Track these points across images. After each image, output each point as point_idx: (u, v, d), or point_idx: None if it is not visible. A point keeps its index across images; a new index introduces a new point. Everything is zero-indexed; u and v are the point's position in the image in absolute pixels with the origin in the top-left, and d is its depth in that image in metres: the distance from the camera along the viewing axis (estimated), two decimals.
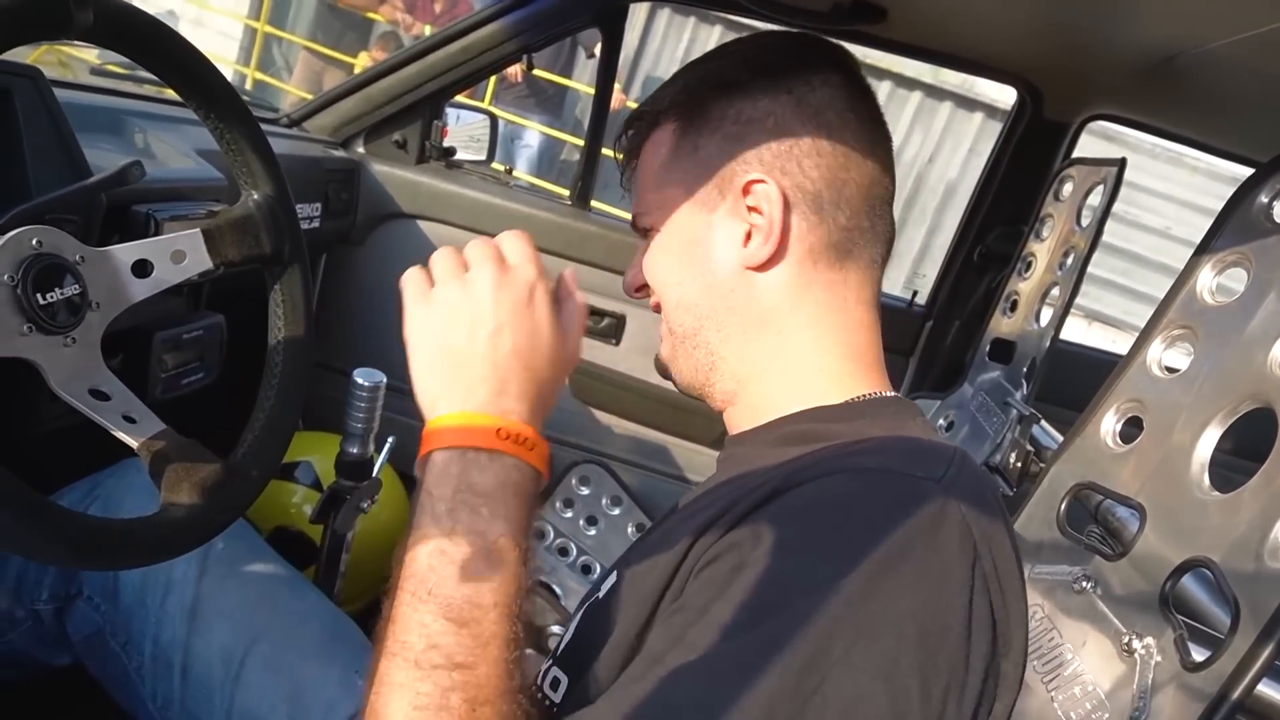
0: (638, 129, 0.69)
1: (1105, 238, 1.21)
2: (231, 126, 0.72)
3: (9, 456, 0.58)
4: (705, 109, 0.64)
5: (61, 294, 0.63)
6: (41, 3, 0.53)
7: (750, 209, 0.61)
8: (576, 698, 0.54)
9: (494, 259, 0.57)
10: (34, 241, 0.61)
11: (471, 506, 0.50)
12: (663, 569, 0.53)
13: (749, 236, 0.61)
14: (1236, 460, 0.94)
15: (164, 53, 0.65)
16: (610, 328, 1.65)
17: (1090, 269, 1.24)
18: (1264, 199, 0.67)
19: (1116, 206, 1.17)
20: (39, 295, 0.61)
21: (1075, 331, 5.94)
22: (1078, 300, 1.24)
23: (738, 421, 0.66)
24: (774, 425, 0.62)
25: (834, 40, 0.67)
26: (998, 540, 0.49)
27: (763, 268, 0.61)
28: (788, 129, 0.61)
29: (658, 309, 0.69)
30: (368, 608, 1.32)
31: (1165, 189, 6.04)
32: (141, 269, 0.69)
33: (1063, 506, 0.72)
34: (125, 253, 0.68)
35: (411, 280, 0.58)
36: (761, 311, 0.62)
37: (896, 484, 0.49)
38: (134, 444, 0.65)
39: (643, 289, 0.70)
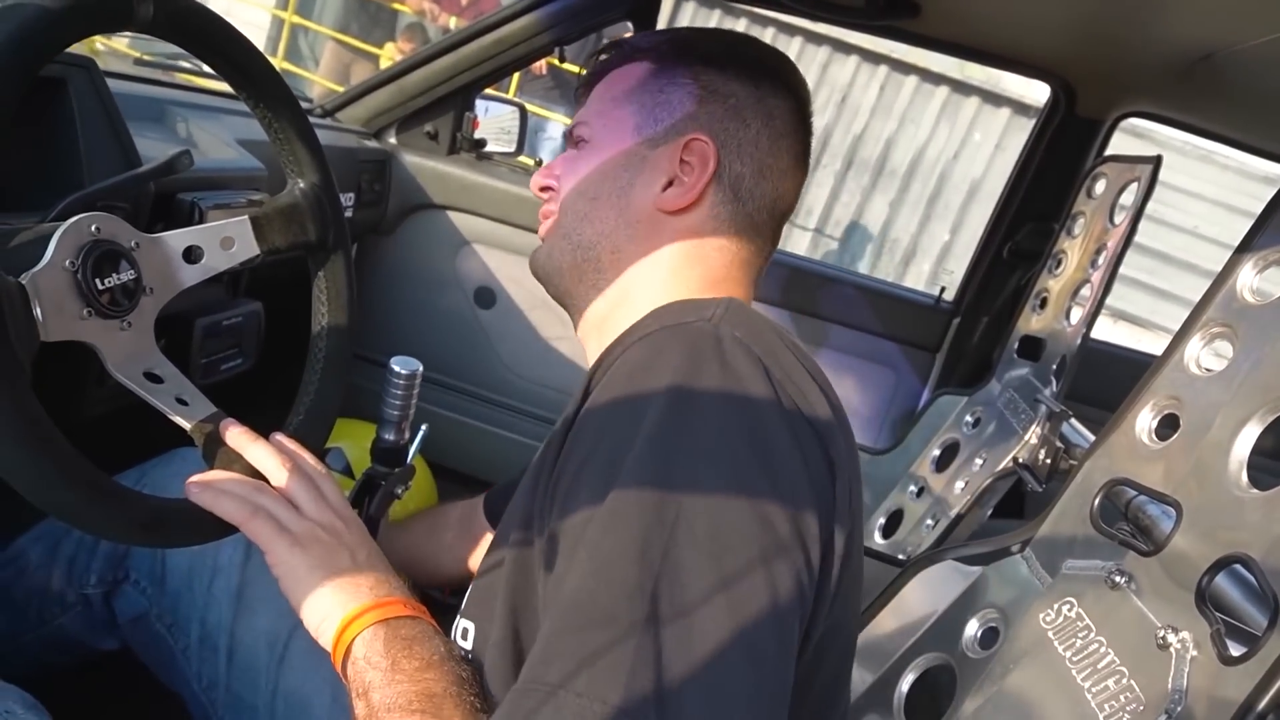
0: (614, 55, 0.74)
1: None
2: (281, 117, 0.73)
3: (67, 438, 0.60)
4: (683, 65, 0.70)
5: (119, 279, 0.64)
6: None
7: (683, 161, 0.68)
8: (481, 640, 0.63)
9: (327, 505, 0.67)
10: (93, 228, 0.63)
11: (407, 645, 0.58)
12: (527, 496, 0.60)
13: (669, 183, 0.68)
14: (1272, 462, 0.94)
15: (220, 45, 0.66)
16: None
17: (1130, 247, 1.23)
18: None
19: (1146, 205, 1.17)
20: (98, 280, 0.62)
21: (1101, 329, 5.87)
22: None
23: (593, 344, 0.71)
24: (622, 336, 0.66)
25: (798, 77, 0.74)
26: (781, 354, 0.56)
27: (672, 213, 0.68)
28: (742, 115, 0.68)
29: (548, 215, 0.74)
30: None
31: (1194, 187, 5.97)
32: (192, 255, 0.71)
33: (1096, 502, 0.72)
34: (177, 239, 0.70)
35: (265, 522, 0.63)
36: (656, 249, 0.68)
37: (674, 335, 0.56)
38: (187, 425, 0.67)
39: (548, 190, 0.75)
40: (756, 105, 0.69)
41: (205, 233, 0.72)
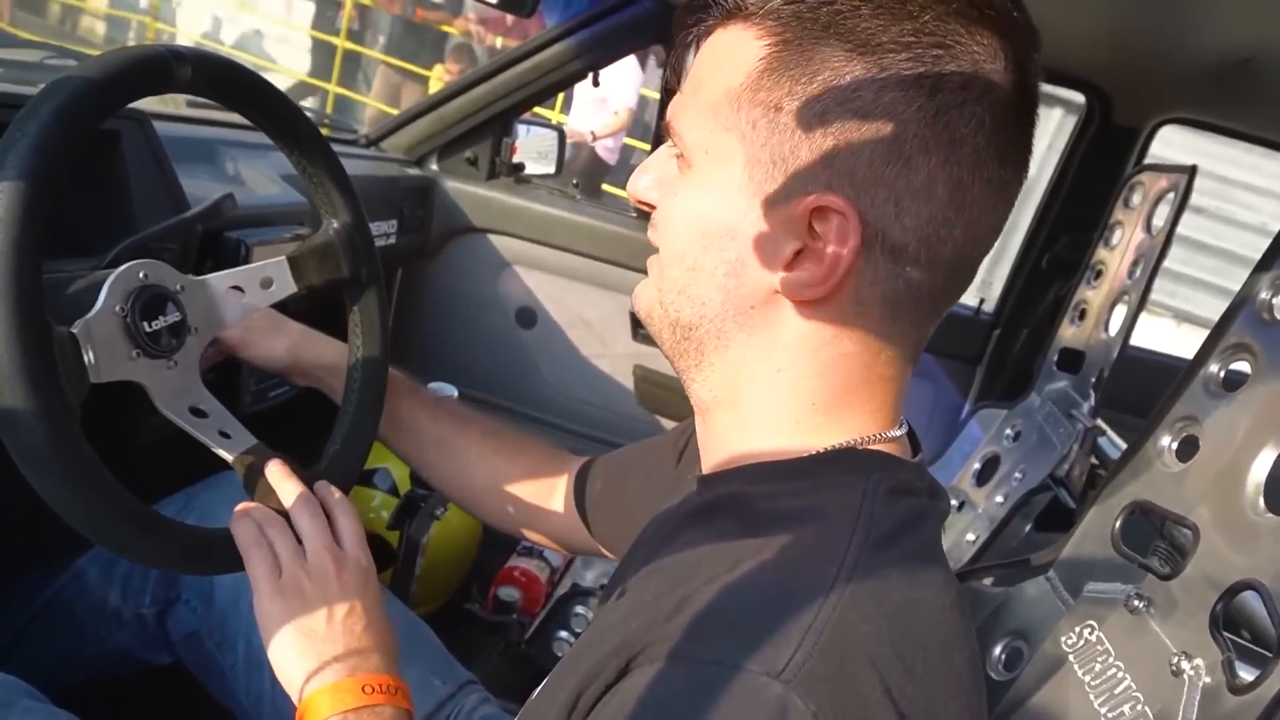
0: (710, 11, 0.51)
1: (1196, 235, 1.19)
2: (314, 162, 0.77)
3: (116, 470, 0.65)
4: (814, 50, 0.46)
5: (165, 321, 0.69)
6: (148, 65, 0.59)
7: (813, 229, 0.47)
8: None
9: (329, 547, 0.64)
10: (141, 274, 0.67)
11: None
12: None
13: (797, 256, 0.48)
14: None
15: (255, 99, 0.71)
16: None
17: (1179, 268, 1.22)
18: None
19: (1207, 201, 1.15)
20: (145, 323, 0.67)
21: (1164, 331, 5.71)
22: (1165, 299, 1.22)
23: (700, 442, 0.58)
24: (725, 477, 0.54)
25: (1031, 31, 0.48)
26: (874, 717, 0.40)
27: (799, 302, 0.49)
28: (905, 150, 0.45)
29: (652, 245, 0.56)
30: (439, 611, 1.38)
31: (1261, 183, 5.77)
32: (234, 295, 0.76)
33: (1118, 524, 0.72)
34: (220, 280, 0.74)
35: (260, 562, 0.63)
36: (772, 343, 0.50)
37: (726, 688, 0.40)
38: (229, 458, 0.71)
39: (647, 207, 0.56)
40: (930, 128, 0.45)
41: (246, 274, 0.76)
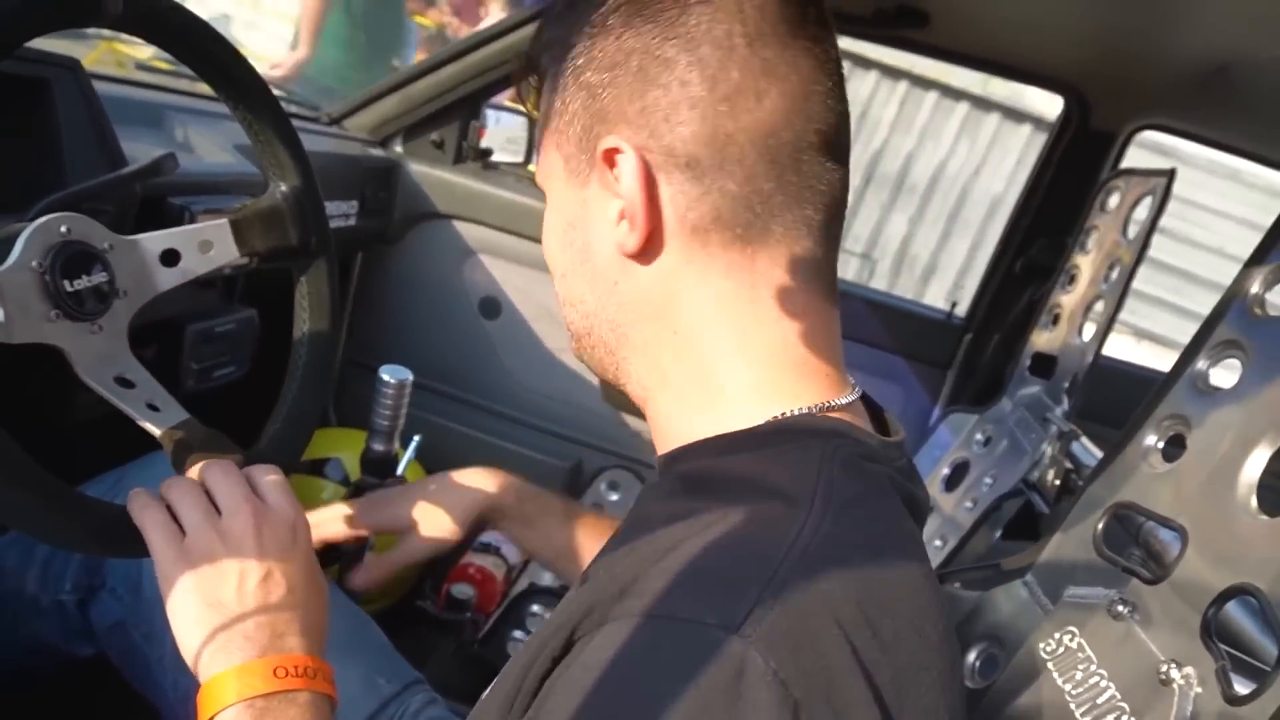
0: (526, 76, 0.57)
1: (1156, 254, 1.18)
2: (261, 118, 0.72)
3: (38, 445, 0.59)
4: (566, 55, 0.51)
5: (89, 281, 0.63)
6: None
7: (619, 183, 0.49)
8: None
9: (248, 499, 0.57)
10: (62, 229, 0.62)
11: None
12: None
13: (620, 215, 0.49)
14: None
15: (196, 44, 0.65)
16: None
17: (1140, 286, 1.20)
18: None
19: (1168, 222, 1.14)
20: (66, 282, 0.61)
21: (1124, 349, 5.81)
22: (1126, 317, 1.21)
23: (653, 434, 0.55)
24: (676, 456, 0.51)
25: None
26: (839, 679, 0.38)
27: (641, 255, 0.49)
28: (652, 73, 0.47)
29: None
30: (388, 608, 1.32)
31: (1220, 205, 5.90)
32: (170, 258, 0.70)
33: (1100, 526, 0.69)
34: (153, 242, 0.69)
35: (155, 526, 0.55)
36: (650, 307, 0.50)
37: (678, 643, 0.37)
38: (156, 432, 0.66)
39: None
40: (663, 46, 0.47)
41: (182, 235, 0.71)
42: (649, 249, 0.49)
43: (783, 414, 0.49)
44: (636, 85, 0.48)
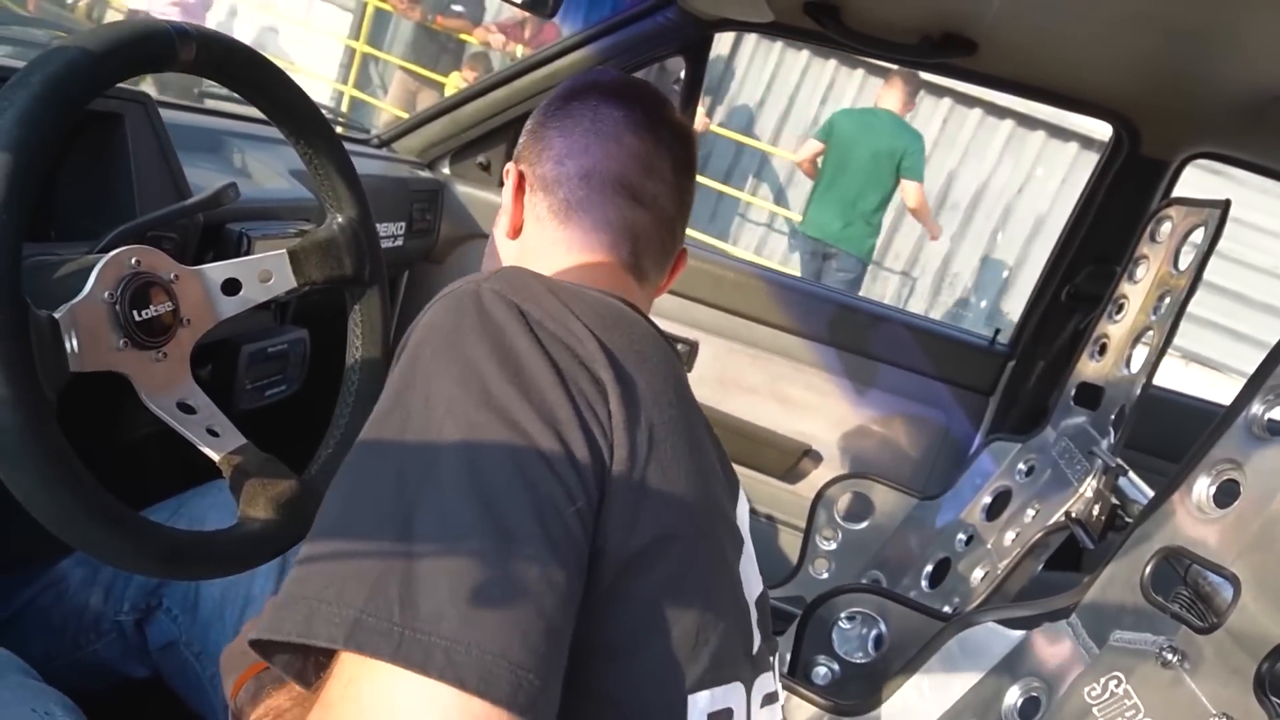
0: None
1: (1207, 275, 1.15)
2: (320, 152, 0.74)
3: (101, 467, 0.61)
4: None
5: (155, 310, 0.66)
6: (150, 40, 0.56)
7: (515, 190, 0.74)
8: None
9: None
10: (133, 261, 0.64)
11: None
12: None
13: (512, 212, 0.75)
14: None
15: (261, 83, 0.68)
16: (684, 355, 1.64)
17: (1190, 308, 1.18)
18: None
19: (1220, 243, 1.11)
20: (135, 312, 0.64)
21: (1172, 372, 5.68)
22: (1176, 340, 1.18)
23: None
24: None
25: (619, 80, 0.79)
26: (544, 300, 0.54)
27: (516, 234, 0.74)
28: (536, 135, 0.75)
29: None
30: None
31: (1274, 226, 5.74)
32: (231, 287, 0.72)
33: (1148, 570, 0.68)
34: (216, 272, 0.71)
35: None
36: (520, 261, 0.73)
37: (442, 299, 0.54)
38: (216, 457, 0.68)
39: None
40: (543, 122, 0.75)
41: (243, 266, 0.73)
42: (520, 230, 0.74)
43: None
44: (529, 140, 0.75)
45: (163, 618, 0.83)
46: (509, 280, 0.56)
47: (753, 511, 1.67)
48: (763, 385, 1.70)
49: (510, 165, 0.76)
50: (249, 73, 0.66)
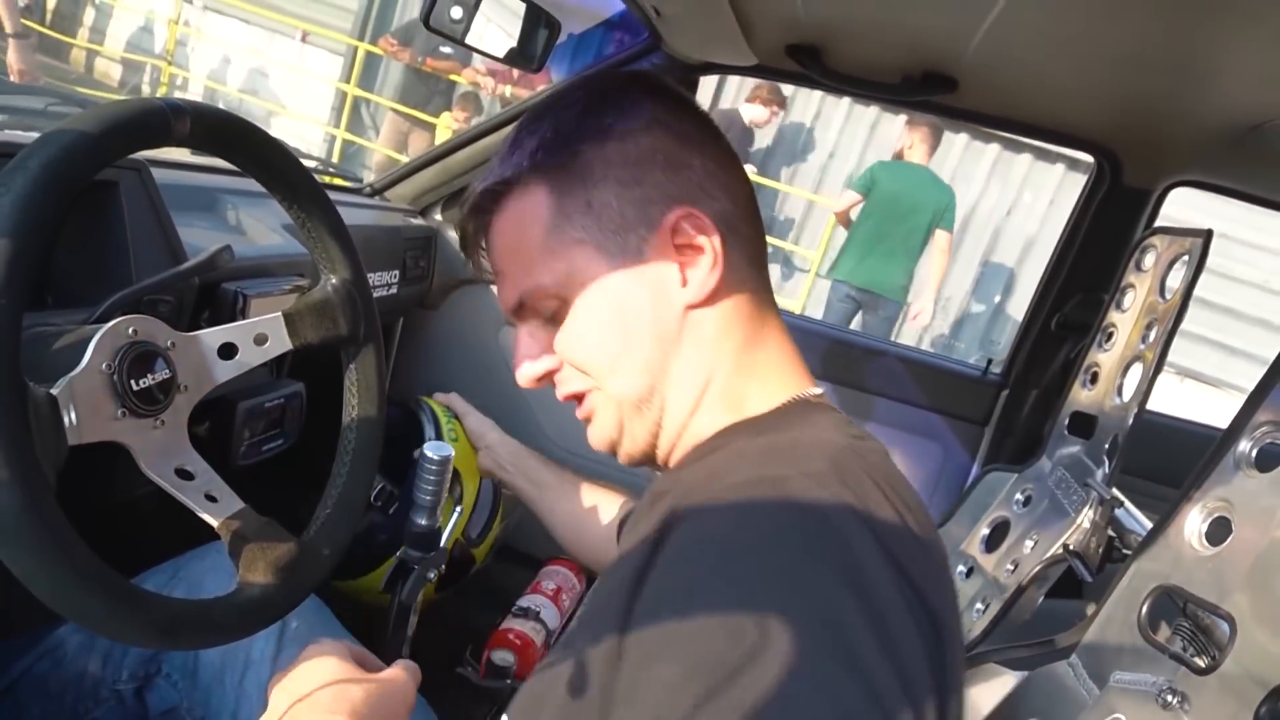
0: (487, 206, 0.64)
1: (1198, 291, 1.16)
2: (313, 216, 0.75)
3: (97, 528, 0.61)
4: (579, 162, 0.60)
5: (153, 379, 0.66)
6: (146, 119, 0.57)
7: (680, 246, 0.59)
8: None
9: None
10: (130, 330, 0.65)
11: None
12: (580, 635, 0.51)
13: (684, 274, 0.59)
14: None
15: (254, 153, 0.69)
16: None
17: (1182, 323, 1.18)
18: None
19: (1211, 259, 1.12)
20: (133, 381, 0.64)
21: (1168, 388, 5.68)
22: (1169, 357, 1.19)
23: (677, 454, 0.64)
24: (702, 447, 0.61)
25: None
26: (888, 518, 0.47)
27: (704, 303, 0.60)
28: (678, 159, 0.60)
29: (573, 398, 0.66)
30: (430, 676, 1.33)
31: (1262, 240, 5.79)
32: (227, 351, 0.73)
33: (1144, 609, 0.68)
34: (212, 337, 0.72)
35: None
36: (705, 344, 0.60)
37: (772, 489, 0.46)
38: (214, 523, 0.68)
39: (549, 379, 0.67)
40: (676, 140, 0.60)
41: (239, 330, 0.74)
42: (707, 298, 0.60)
43: (789, 400, 0.61)
44: (669, 170, 0.60)
45: (163, 684, 0.83)
46: (843, 476, 0.47)
47: None
48: None
49: (677, 208, 0.58)
50: (243, 143, 0.67)
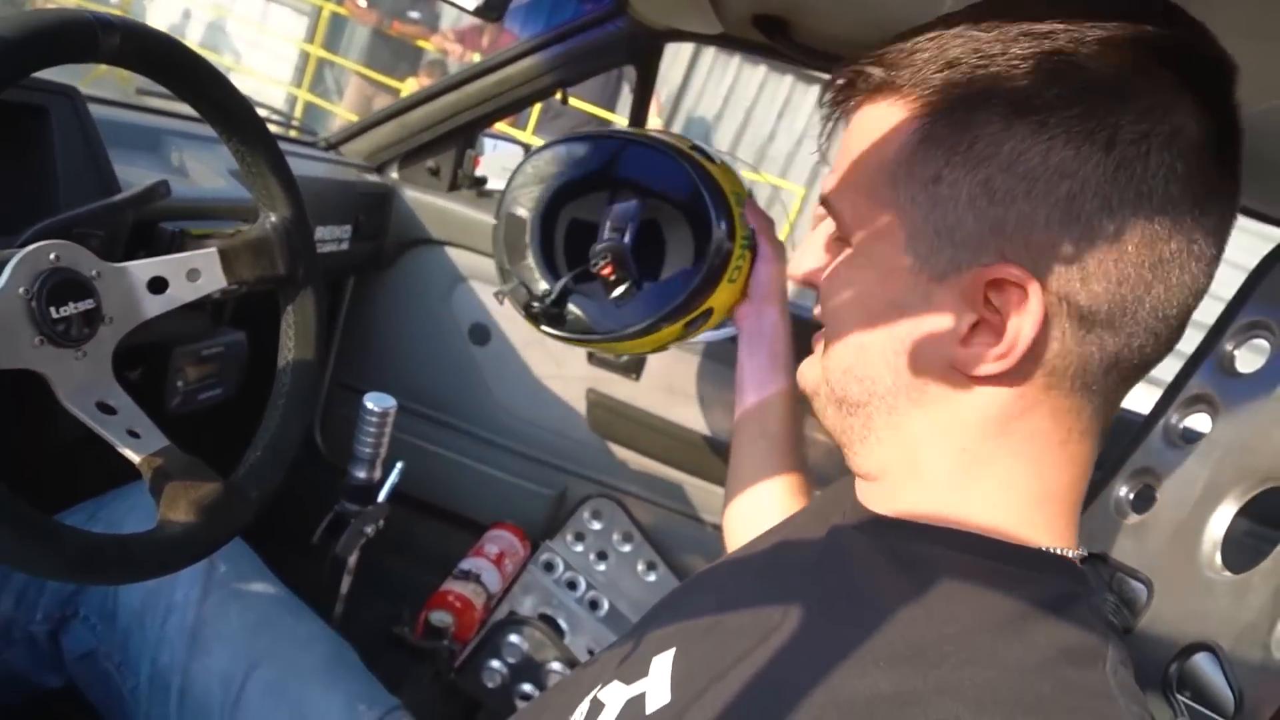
0: (856, 85, 0.50)
1: None
2: (253, 149, 0.73)
3: (16, 471, 0.59)
4: (970, 121, 0.44)
5: (76, 308, 0.64)
6: (70, 29, 0.55)
7: (988, 302, 0.45)
8: None
9: None
10: (51, 256, 0.62)
11: None
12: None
13: (973, 331, 0.46)
14: (1263, 529, 0.91)
15: (189, 77, 0.66)
16: (631, 363, 1.64)
17: None
18: None
19: None
20: (53, 309, 0.62)
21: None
22: None
23: (871, 495, 0.54)
24: (905, 525, 0.51)
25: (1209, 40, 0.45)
26: None
27: (979, 377, 0.46)
28: (1084, 211, 0.42)
29: (819, 324, 0.56)
30: (367, 635, 1.32)
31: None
32: (157, 285, 0.71)
33: None
34: (141, 269, 0.69)
35: None
36: (953, 419, 0.48)
37: (1068, 694, 0.39)
38: (136, 459, 0.66)
39: (810, 283, 0.57)
40: (1112, 182, 0.41)
41: (171, 264, 0.71)
42: (990, 377, 0.46)
43: (1038, 548, 0.48)
44: (1059, 214, 0.42)
45: (79, 626, 0.81)
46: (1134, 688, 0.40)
47: (700, 519, 1.67)
48: (710, 394, 1.70)
49: (1016, 271, 0.43)
50: (176, 66, 0.65)
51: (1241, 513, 0.59)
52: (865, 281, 0.50)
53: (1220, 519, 0.59)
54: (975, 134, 0.44)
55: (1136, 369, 0.47)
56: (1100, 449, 0.51)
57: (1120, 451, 0.72)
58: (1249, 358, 0.67)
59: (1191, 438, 0.67)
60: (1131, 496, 0.69)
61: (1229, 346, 0.68)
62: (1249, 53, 0.85)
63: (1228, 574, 0.56)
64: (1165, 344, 0.47)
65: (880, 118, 0.48)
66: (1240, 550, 0.59)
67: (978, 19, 0.45)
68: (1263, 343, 0.65)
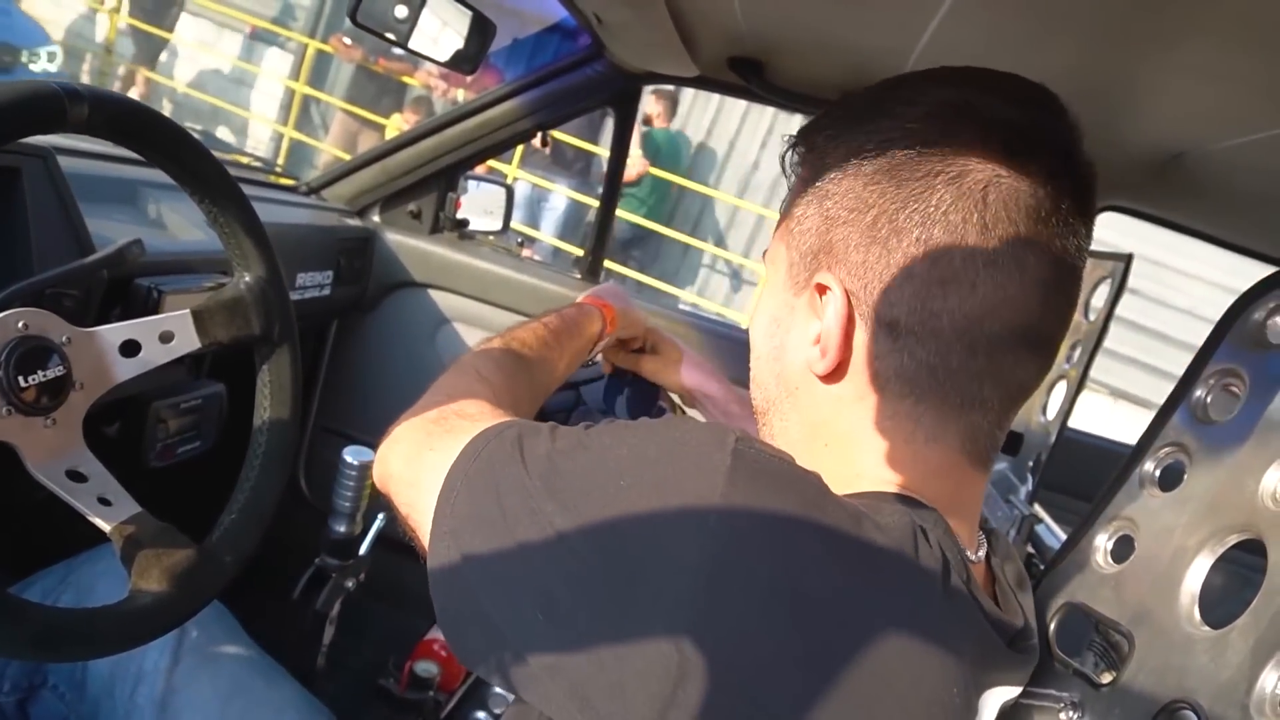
0: (792, 150, 0.59)
1: (1130, 315, 1.19)
2: (225, 210, 0.73)
3: None
4: (824, 163, 0.54)
5: (45, 375, 0.63)
6: (39, 101, 0.55)
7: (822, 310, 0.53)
8: None
9: None
10: (20, 324, 0.62)
11: None
12: None
13: (818, 338, 0.53)
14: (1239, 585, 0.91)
15: (158, 142, 0.66)
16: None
17: (1115, 346, 1.22)
18: (1258, 316, 0.65)
19: (1141, 284, 1.16)
20: (20, 378, 0.61)
21: (1100, 408, 5.86)
22: (1102, 376, 1.22)
23: None
24: None
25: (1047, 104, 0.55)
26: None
27: (824, 377, 0.53)
28: (881, 234, 0.50)
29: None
30: (349, 690, 1.29)
31: (1191, 268, 6.00)
32: (129, 349, 0.70)
33: (1053, 626, 0.69)
34: (113, 333, 0.69)
35: None
36: (816, 420, 0.55)
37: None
38: (107, 528, 0.65)
39: None
40: (904, 209, 0.49)
41: (143, 326, 0.71)
42: (832, 376, 0.53)
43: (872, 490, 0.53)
44: (865, 237, 0.51)
45: (48, 695, 0.79)
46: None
47: None
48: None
49: (829, 277, 0.52)
50: (145, 133, 0.65)
51: (1218, 565, 0.59)
52: (762, 305, 0.60)
53: (1196, 572, 0.58)
54: (826, 176, 0.54)
55: (965, 383, 0.51)
56: (983, 464, 0.57)
57: (1098, 499, 0.72)
58: (1224, 402, 0.67)
59: (1168, 485, 0.67)
60: (1111, 545, 0.69)
61: (1200, 393, 0.68)
62: (1215, 94, 0.86)
63: (1206, 629, 0.56)
64: (990, 360, 0.51)
65: (797, 178, 0.59)
66: (1220, 604, 0.59)
67: (877, 94, 0.55)
68: (1236, 390, 0.65)
